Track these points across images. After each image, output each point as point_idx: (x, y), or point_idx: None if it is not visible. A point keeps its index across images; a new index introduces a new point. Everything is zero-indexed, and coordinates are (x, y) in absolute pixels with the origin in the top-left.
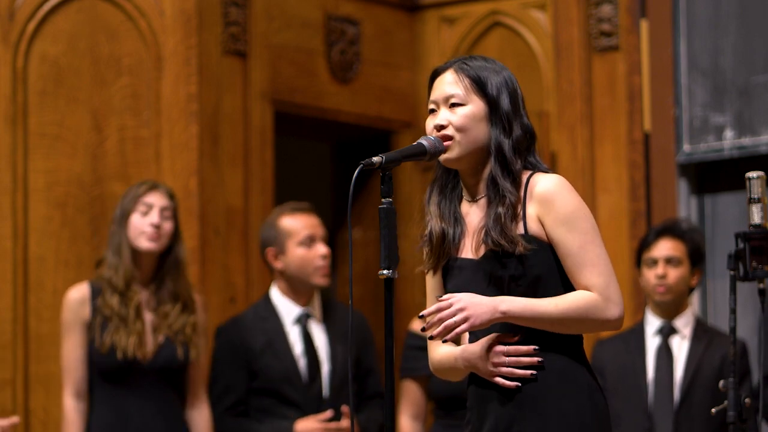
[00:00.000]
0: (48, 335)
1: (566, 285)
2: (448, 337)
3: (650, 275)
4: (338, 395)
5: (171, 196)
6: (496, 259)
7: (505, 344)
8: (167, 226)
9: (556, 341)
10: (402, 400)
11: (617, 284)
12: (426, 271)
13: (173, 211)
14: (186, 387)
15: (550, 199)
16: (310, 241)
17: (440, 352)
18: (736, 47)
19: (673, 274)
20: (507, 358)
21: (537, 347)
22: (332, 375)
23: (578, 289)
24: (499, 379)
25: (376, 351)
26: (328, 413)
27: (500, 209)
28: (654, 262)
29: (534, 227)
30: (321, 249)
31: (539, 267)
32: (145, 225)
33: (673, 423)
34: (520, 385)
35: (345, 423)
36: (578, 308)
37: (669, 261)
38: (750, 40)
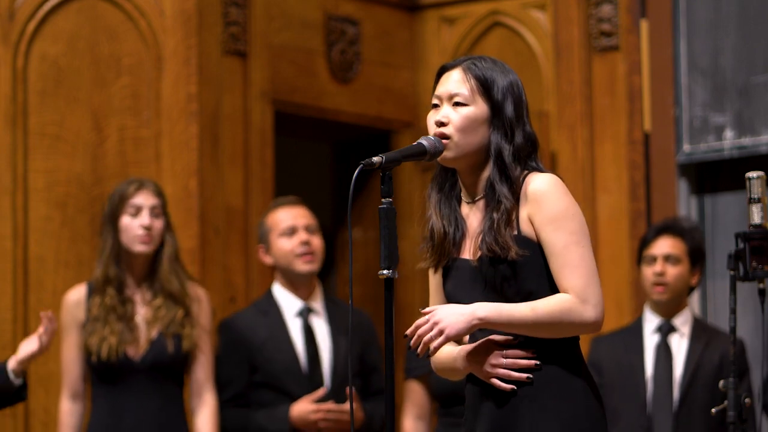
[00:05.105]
0: None
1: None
2: (431, 351)
3: (649, 273)
4: (339, 389)
5: (159, 193)
6: (490, 264)
7: (503, 346)
8: (157, 224)
9: (552, 344)
10: (406, 402)
11: (598, 287)
12: (426, 268)
13: (162, 208)
14: (190, 381)
15: (540, 198)
16: (290, 232)
17: (442, 351)
18: (736, 47)
19: (672, 272)
20: (504, 360)
21: (534, 350)
22: (334, 369)
23: (561, 290)
24: (495, 381)
25: (380, 349)
26: (321, 391)
27: (495, 215)
28: (653, 260)
29: (526, 228)
30: (301, 236)
31: (530, 272)
32: (136, 228)
33: (673, 422)
34: (515, 387)
35: (347, 406)
36: (553, 312)
37: (668, 259)
38: (750, 40)
